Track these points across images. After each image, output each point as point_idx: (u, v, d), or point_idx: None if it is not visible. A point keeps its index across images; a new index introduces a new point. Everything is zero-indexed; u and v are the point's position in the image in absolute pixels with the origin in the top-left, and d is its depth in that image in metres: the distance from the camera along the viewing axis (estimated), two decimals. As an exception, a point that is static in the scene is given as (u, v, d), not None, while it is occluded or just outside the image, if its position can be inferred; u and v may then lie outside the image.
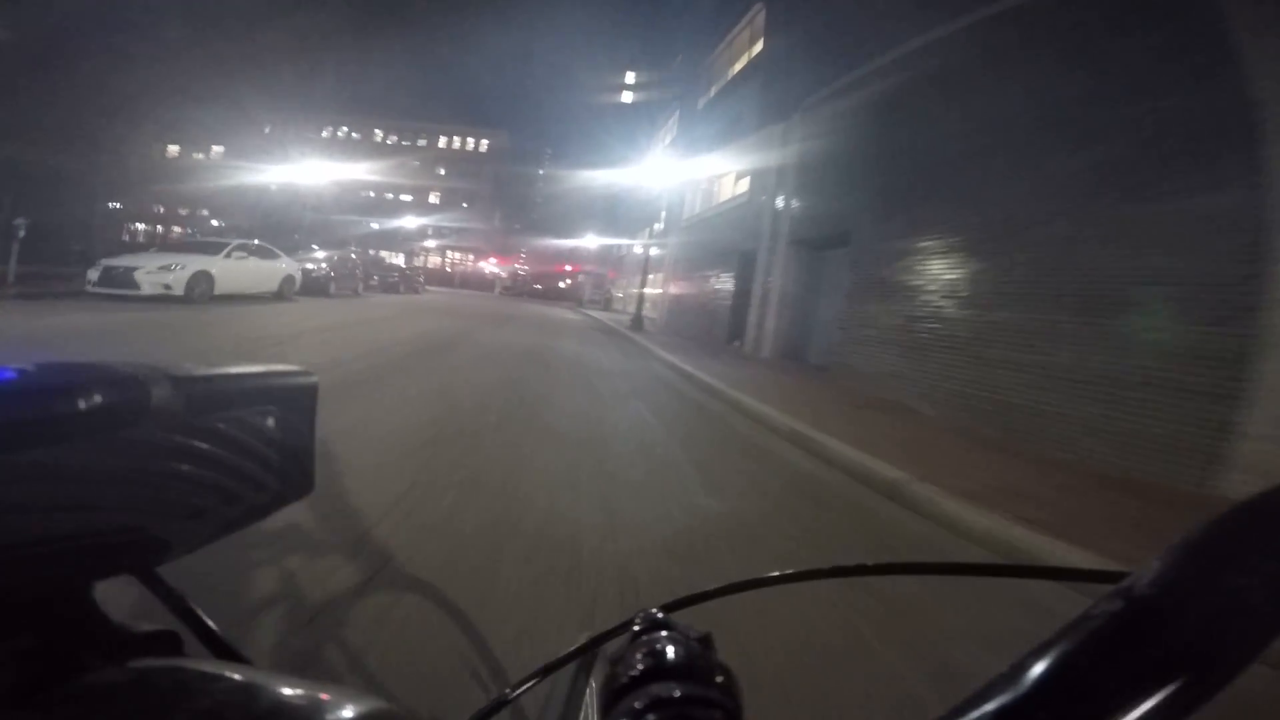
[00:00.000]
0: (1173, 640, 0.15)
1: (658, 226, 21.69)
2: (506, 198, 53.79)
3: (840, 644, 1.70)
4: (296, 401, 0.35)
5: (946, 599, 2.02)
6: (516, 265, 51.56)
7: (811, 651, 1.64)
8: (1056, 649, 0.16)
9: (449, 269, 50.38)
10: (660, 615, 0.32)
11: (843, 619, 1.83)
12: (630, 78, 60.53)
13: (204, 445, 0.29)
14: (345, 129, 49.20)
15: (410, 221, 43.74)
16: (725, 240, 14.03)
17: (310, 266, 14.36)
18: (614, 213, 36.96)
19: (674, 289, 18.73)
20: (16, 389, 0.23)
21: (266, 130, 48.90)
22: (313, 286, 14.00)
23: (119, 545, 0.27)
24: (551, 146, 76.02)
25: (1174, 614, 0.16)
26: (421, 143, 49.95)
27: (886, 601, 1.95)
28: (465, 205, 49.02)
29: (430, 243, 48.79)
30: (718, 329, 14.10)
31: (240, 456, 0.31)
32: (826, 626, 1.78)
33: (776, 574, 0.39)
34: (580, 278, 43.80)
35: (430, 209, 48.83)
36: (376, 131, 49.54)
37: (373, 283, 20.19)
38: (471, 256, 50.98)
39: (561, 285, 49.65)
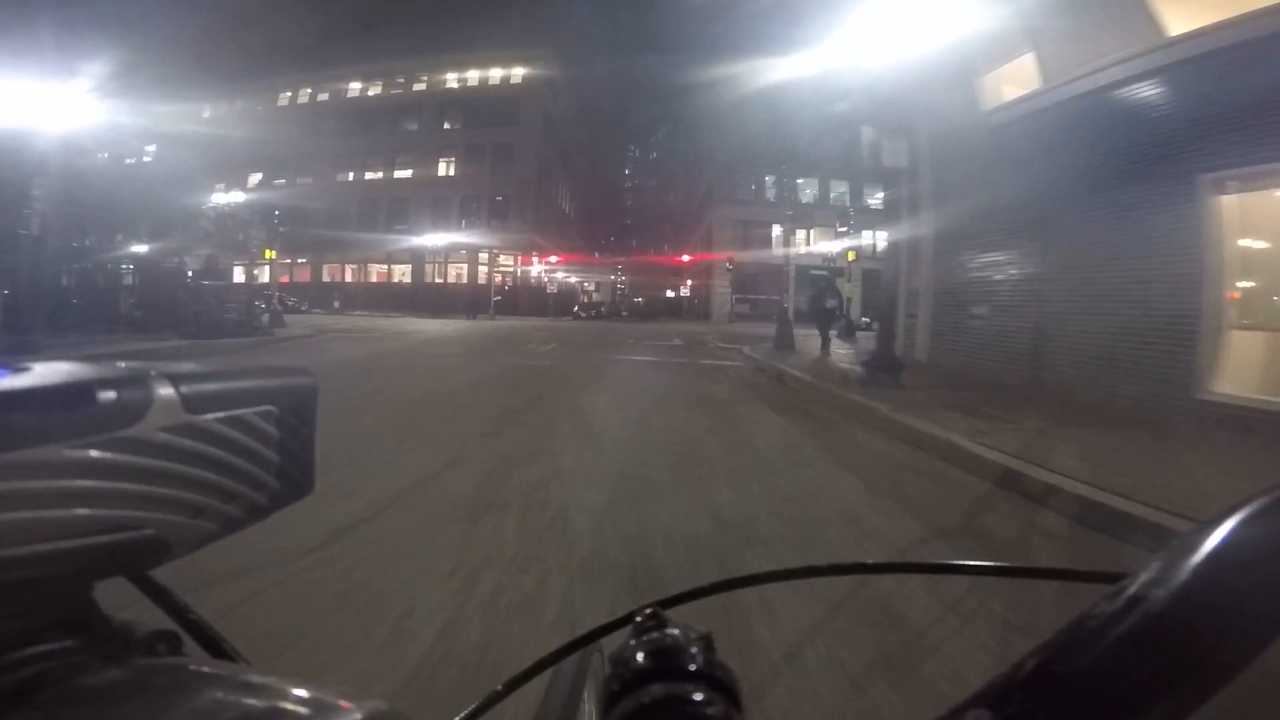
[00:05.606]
0: (1172, 640, 0.15)
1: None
2: (569, 156, 37.25)
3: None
4: (297, 402, 0.34)
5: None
6: (609, 273, 34.63)
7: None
8: (1057, 649, 0.16)
9: (502, 285, 32.09)
10: (660, 612, 0.31)
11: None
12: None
13: (204, 445, 0.29)
14: (308, 90, 33.76)
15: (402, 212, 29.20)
16: None
17: None
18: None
19: None
20: (16, 389, 0.23)
21: (205, 115, 34.12)
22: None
23: (118, 545, 0.26)
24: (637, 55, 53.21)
25: (1174, 614, 0.15)
26: (419, 87, 33.97)
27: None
28: (515, 173, 33.40)
29: (437, 239, 31.00)
30: None
31: (240, 456, 0.31)
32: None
33: (775, 570, 0.39)
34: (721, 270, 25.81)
35: (442, 186, 33.57)
36: (352, 86, 33.78)
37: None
38: (519, 258, 33.25)
39: (670, 295, 33.10)
